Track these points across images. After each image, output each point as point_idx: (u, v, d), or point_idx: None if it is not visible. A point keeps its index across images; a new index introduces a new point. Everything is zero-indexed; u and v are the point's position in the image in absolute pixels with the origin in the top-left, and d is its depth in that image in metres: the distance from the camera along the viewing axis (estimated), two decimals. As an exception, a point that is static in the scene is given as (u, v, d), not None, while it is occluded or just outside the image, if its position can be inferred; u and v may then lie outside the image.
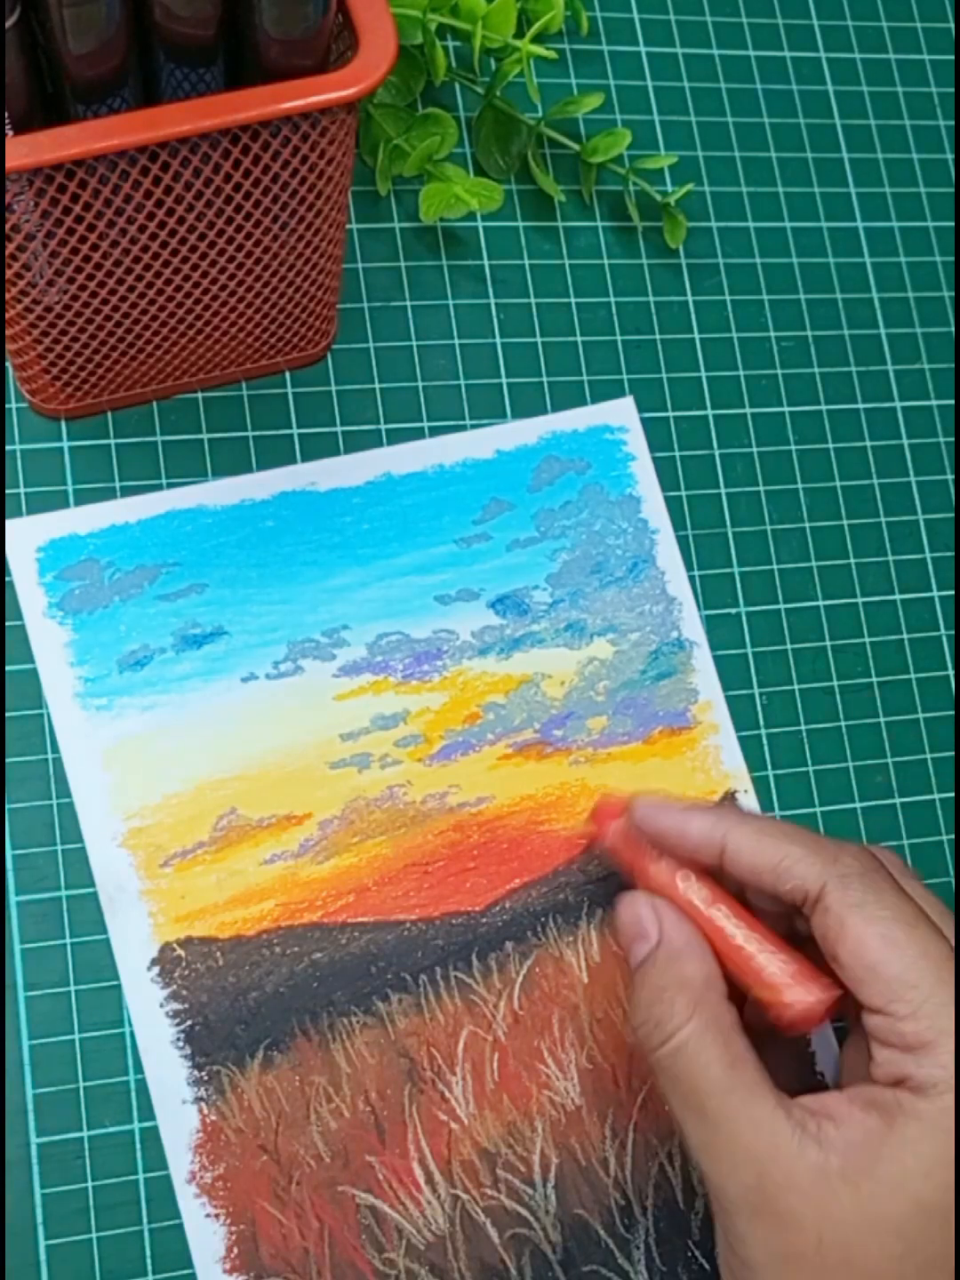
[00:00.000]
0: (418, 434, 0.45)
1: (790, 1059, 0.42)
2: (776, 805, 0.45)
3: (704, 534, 0.47)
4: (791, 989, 0.35)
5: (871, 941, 0.33)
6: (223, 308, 0.39)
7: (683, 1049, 0.34)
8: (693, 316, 0.49)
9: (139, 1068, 0.40)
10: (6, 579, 0.42)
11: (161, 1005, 0.40)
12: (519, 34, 0.45)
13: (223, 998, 0.40)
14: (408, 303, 0.47)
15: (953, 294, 0.51)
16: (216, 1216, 0.39)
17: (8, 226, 0.33)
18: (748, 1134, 0.33)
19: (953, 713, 0.47)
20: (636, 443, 0.47)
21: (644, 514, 0.46)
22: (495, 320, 0.47)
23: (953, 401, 0.50)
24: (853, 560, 0.48)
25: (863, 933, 0.33)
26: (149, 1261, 0.39)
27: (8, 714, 0.41)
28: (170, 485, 0.43)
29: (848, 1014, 0.37)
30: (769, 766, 0.46)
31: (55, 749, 0.41)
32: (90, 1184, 0.39)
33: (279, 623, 0.43)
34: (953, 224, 0.52)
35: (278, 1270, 0.39)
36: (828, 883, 0.34)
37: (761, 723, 0.46)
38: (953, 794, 0.47)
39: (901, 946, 0.33)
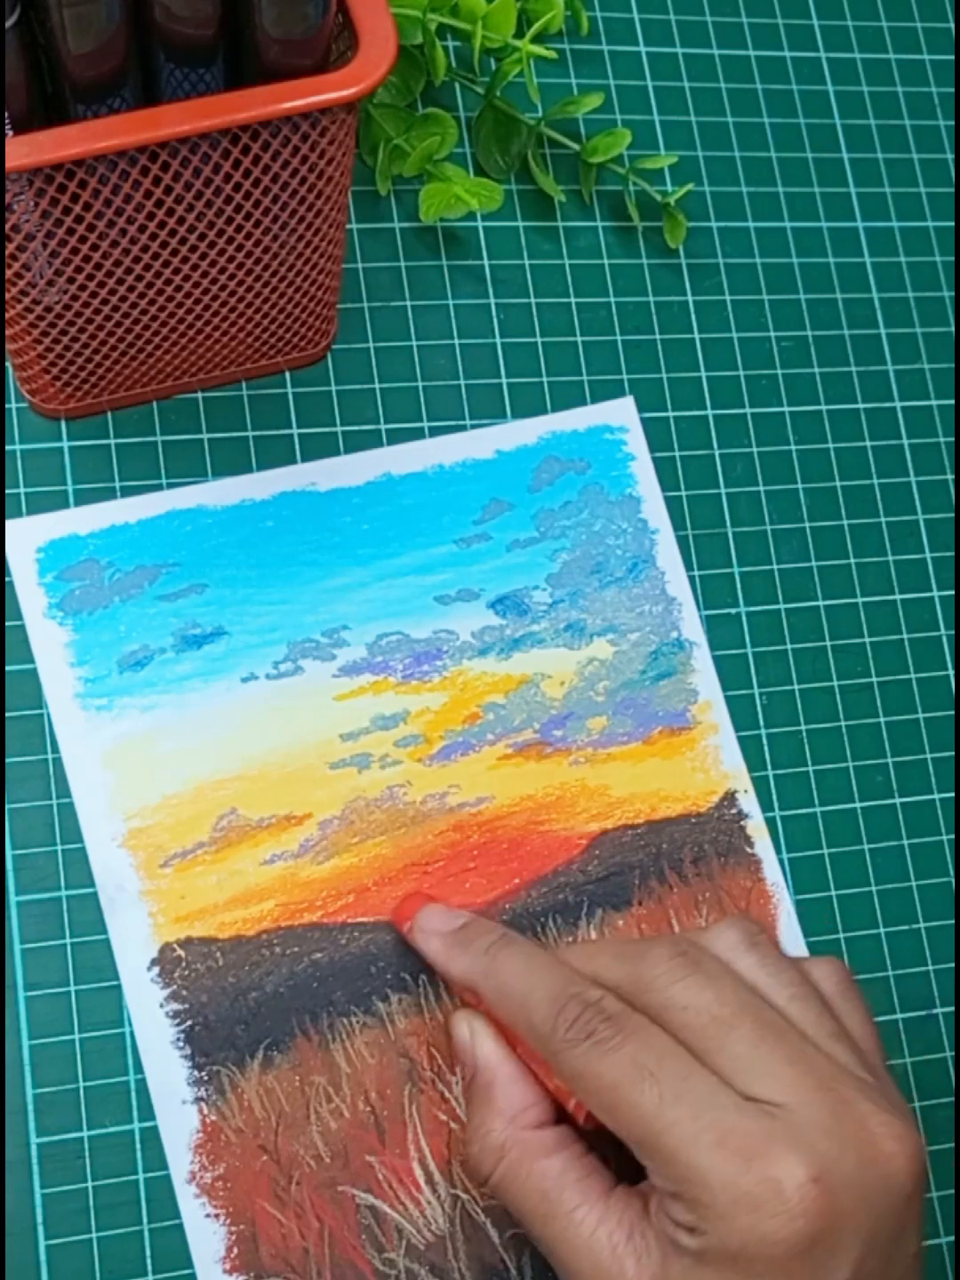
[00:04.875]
0: (418, 434, 0.45)
1: None
2: (777, 805, 0.45)
3: (704, 534, 0.47)
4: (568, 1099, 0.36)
5: (599, 1110, 0.34)
6: (223, 308, 0.39)
7: (501, 1185, 0.36)
8: (693, 316, 0.49)
9: (139, 1068, 0.40)
10: (6, 579, 0.42)
11: (161, 1005, 0.40)
12: (519, 34, 0.45)
13: (223, 998, 0.40)
14: (408, 303, 0.47)
15: (953, 294, 0.51)
16: (216, 1216, 0.39)
17: (8, 226, 0.33)
18: (569, 1257, 0.34)
19: (953, 713, 0.47)
20: (636, 443, 0.47)
21: (644, 514, 0.46)
22: (495, 320, 0.47)
23: (953, 401, 0.50)
24: (853, 560, 0.48)
25: (591, 1104, 0.34)
26: (149, 1261, 0.39)
27: (8, 714, 0.41)
28: (170, 485, 0.43)
29: None
30: (769, 766, 0.46)
31: (55, 749, 0.41)
32: (90, 1184, 0.39)
33: (279, 623, 0.43)
34: (953, 224, 0.52)
35: (278, 1270, 0.39)
36: (551, 1061, 0.35)
37: (761, 723, 0.46)
38: (953, 794, 0.47)
39: (616, 1111, 0.33)
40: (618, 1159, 0.35)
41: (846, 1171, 0.31)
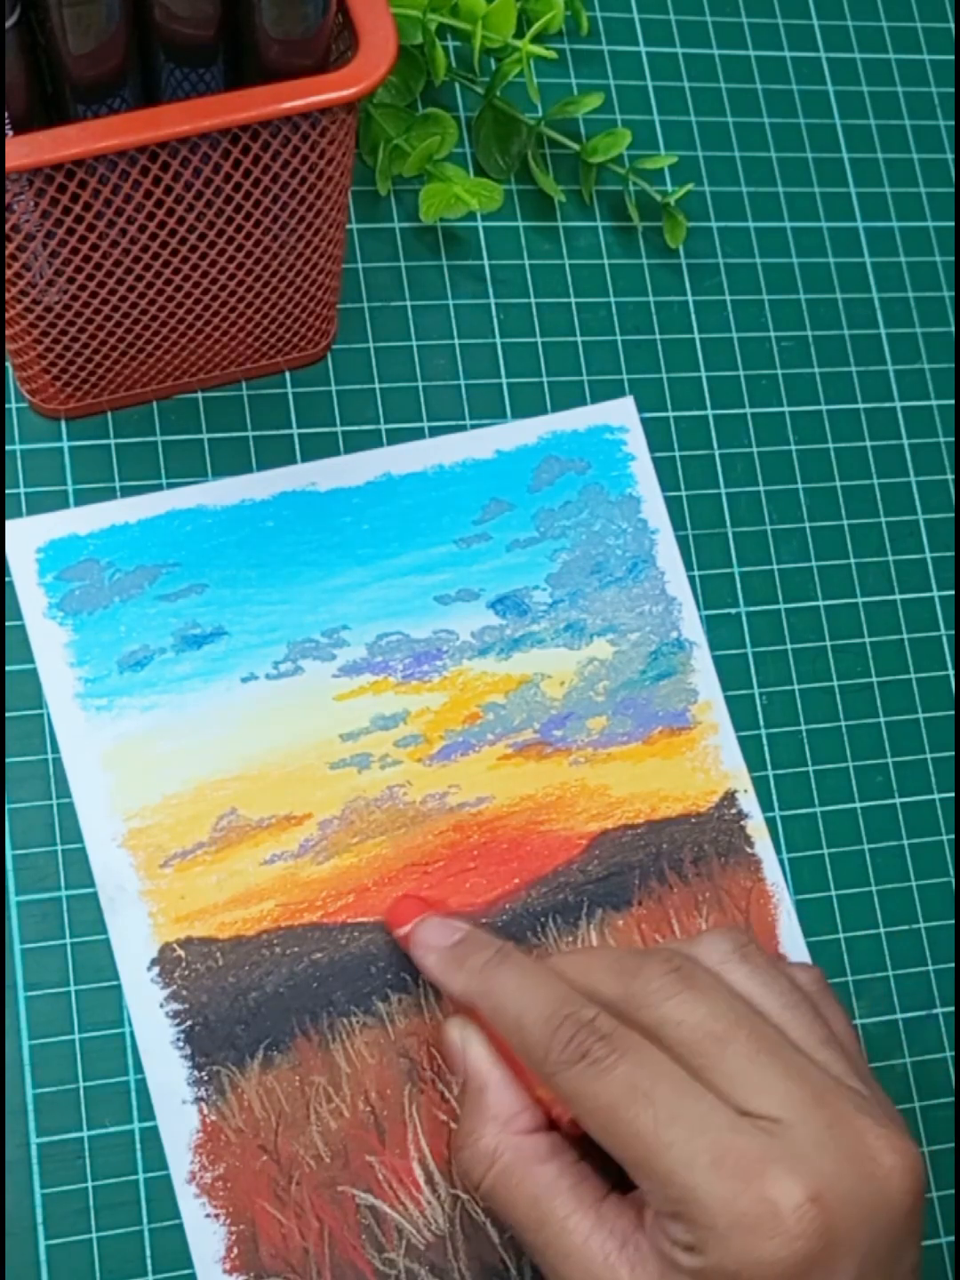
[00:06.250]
0: (418, 434, 0.46)
1: None
2: (776, 805, 0.45)
3: (704, 534, 0.47)
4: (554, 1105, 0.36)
5: (595, 1130, 0.33)
6: (223, 308, 0.39)
7: (492, 1192, 0.35)
8: (693, 316, 0.49)
9: (139, 1068, 0.40)
10: (6, 579, 0.42)
11: (161, 1005, 0.40)
12: (519, 34, 0.45)
13: (223, 998, 0.40)
14: (408, 303, 0.47)
15: (953, 294, 0.51)
16: (216, 1216, 0.39)
17: (8, 226, 0.33)
18: (561, 1265, 0.33)
19: (953, 713, 0.47)
20: (636, 443, 0.47)
21: (644, 514, 0.46)
22: (495, 320, 0.47)
23: (953, 401, 0.50)
24: (853, 560, 0.48)
25: (586, 1124, 0.33)
26: (149, 1261, 0.39)
27: (8, 714, 0.41)
28: (170, 485, 0.43)
29: None
30: (769, 766, 0.46)
31: (55, 749, 0.41)
32: (90, 1184, 0.39)
33: (279, 623, 0.43)
34: (953, 224, 0.52)
35: (278, 1270, 0.39)
36: (547, 1081, 0.34)
37: (761, 723, 0.46)
38: (953, 794, 0.47)
39: (612, 1131, 0.33)
40: (608, 1166, 0.35)
41: (845, 1189, 0.31)
